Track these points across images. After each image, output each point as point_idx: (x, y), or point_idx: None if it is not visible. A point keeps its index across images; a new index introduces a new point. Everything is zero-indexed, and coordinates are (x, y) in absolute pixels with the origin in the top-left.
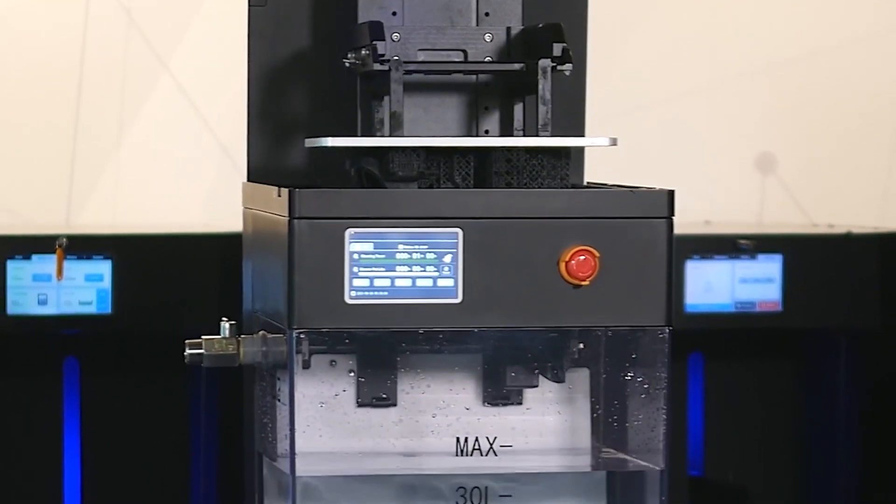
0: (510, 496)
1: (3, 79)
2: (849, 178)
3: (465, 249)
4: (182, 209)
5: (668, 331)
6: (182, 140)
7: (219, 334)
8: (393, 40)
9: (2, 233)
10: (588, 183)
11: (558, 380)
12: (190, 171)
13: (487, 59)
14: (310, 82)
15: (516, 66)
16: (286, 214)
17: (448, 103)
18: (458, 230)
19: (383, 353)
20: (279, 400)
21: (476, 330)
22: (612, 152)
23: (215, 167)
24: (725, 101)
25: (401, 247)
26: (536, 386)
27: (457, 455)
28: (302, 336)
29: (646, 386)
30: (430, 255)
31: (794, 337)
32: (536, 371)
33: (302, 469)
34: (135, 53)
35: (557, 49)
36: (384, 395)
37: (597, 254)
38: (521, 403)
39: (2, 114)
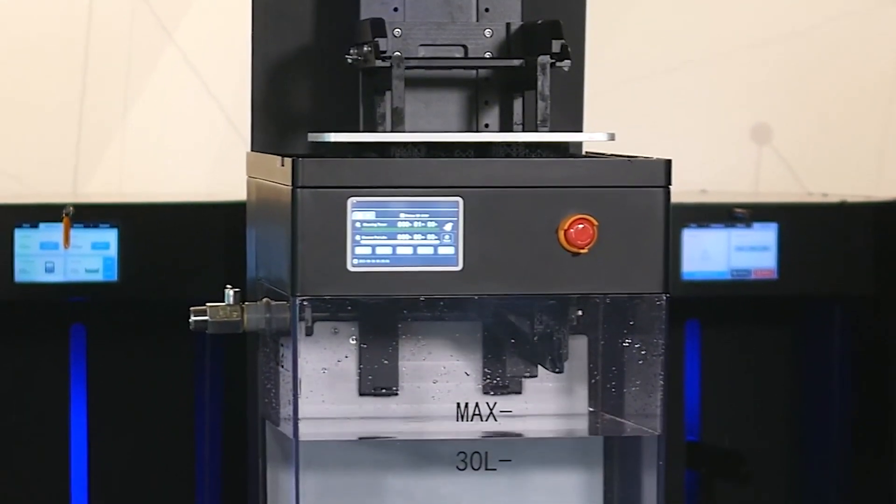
0: (510, 460)
1: (10, 49)
2: (843, 148)
3: (466, 218)
4: (187, 178)
5: (665, 298)
6: (187, 110)
7: (223, 301)
8: (395, 36)
9: (10, 201)
10: (587, 153)
11: (557, 370)
12: (195, 140)
13: (487, 54)
14: (313, 69)
15: (515, 63)
16: (289, 183)
17: (449, 98)
18: (459, 199)
19: (385, 320)
20: (282, 366)
21: (476, 297)
22: (610, 123)
23: (220, 137)
24: (722, 73)
25: (402, 215)
26: (535, 376)
27: (457, 420)
28: (305, 303)
29: (643, 352)
30: (431, 224)
31: (789, 304)
32: (536, 363)
33: (305, 434)
34: (140, 24)
35: (556, 46)
36: (387, 386)
37: (595, 222)
38: (520, 392)
39: (10, 85)
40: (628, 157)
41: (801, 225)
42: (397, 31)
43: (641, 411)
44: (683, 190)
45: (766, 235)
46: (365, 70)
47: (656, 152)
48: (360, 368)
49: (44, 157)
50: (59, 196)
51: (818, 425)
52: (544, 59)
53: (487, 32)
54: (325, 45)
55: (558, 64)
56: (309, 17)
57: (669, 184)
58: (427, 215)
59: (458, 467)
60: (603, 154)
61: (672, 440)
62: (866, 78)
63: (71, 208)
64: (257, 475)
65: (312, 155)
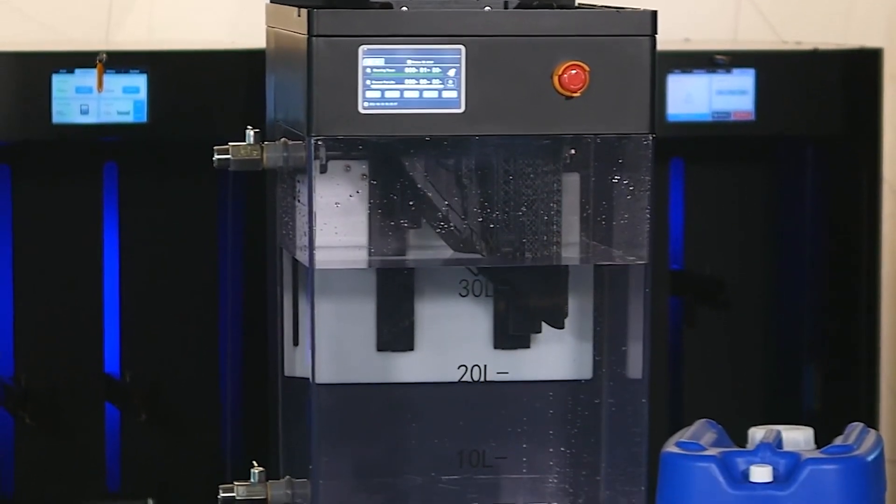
0: (507, 288)
1: None
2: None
3: (468, 64)
4: (211, 28)
5: (651, 138)
6: None
7: (244, 141)
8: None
9: (48, 49)
10: (579, 4)
11: (558, 326)
12: None
13: None
14: None
15: None
16: (305, 33)
17: None
18: (461, 47)
19: (393, 158)
20: (299, 201)
21: (477, 137)
22: None
23: None
24: None
25: (409, 62)
26: (539, 331)
27: (459, 252)
28: (319, 143)
29: (631, 188)
30: (436, 70)
31: (765, 143)
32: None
33: (320, 262)
34: None
35: None
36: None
37: (587, 68)
38: (528, 347)
39: None
40: (617, 8)
41: (776, 71)
42: (404, 9)
43: (629, 242)
44: (668, 38)
45: (744, 80)
46: None
47: (643, 3)
48: (370, 203)
49: (78, 9)
50: (92, 44)
51: (792, 253)
52: None
53: (487, 9)
54: None
55: None
56: None
57: (655, 33)
58: (432, 62)
59: (460, 294)
60: (594, 5)
61: (657, 269)
62: None
63: (104, 55)
64: (275, 300)
65: (326, 6)
